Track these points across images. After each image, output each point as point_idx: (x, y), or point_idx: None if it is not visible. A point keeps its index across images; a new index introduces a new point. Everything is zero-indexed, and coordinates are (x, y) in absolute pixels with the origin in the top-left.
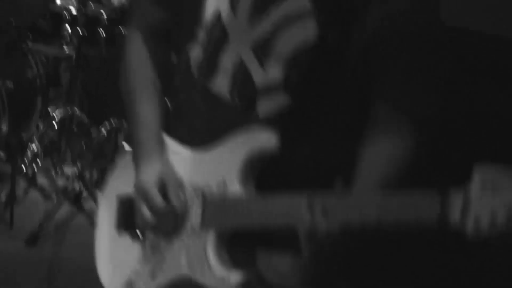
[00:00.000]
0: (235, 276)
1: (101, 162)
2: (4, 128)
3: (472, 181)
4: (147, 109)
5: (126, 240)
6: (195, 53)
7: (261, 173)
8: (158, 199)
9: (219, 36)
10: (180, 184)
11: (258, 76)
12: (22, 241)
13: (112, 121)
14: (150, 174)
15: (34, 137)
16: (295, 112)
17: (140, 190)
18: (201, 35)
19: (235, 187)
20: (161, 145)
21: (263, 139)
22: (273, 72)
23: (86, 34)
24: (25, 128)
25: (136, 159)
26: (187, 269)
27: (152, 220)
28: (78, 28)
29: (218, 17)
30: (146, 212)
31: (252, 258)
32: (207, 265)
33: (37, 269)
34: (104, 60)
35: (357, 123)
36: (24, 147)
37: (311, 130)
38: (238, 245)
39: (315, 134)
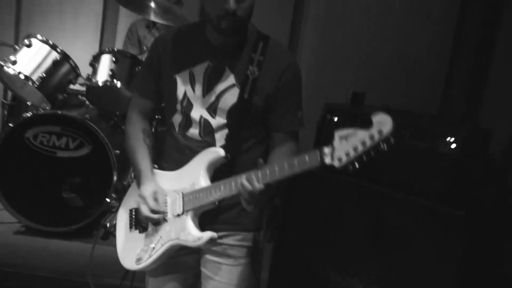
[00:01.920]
0: (204, 236)
1: None
2: (115, 178)
3: (333, 138)
4: (140, 155)
5: (135, 234)
6: (176, 118)
7: (215, 172)
8: (152, 202)
9: (188, 105)
10: (165, 195)
11: (213, 122)
12: None
13: None
14: (147, 189)
15: (130, 183)
16: (229, 136)
17: (142, 198)
18: (178, 107)
19: (200, 184)
20: (152, 174)
21: (216, 153)
22: (220, 119)
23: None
24: (125, 178)
25: (138, 183)
26: (176, 237)
27: (150, 215)
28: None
29: (185, 95)
30: (146, 211)
31: (214, 227)
32: (188, 231)
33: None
34: None
35: (263, 139)
36: (125, 190)
37: (242, 146)
38: (204, 220)
39: (244, 148)
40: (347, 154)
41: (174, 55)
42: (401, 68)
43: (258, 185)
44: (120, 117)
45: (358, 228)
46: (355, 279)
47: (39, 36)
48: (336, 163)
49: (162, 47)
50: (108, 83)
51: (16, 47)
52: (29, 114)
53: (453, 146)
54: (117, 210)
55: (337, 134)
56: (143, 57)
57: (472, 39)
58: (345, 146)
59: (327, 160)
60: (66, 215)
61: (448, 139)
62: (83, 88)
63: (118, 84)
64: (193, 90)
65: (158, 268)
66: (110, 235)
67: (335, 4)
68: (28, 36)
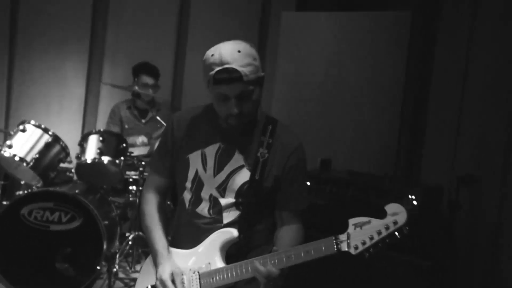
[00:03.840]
0: None
1: None
2: (105, 246)
3: (349, 226)
4: (157, 235)
5: None
6: (186, 195)
7: (229, 249)
8: (171, 285)
9: (199, 183)
10: (181, 273)
11: (222, 201)
12: None
13: None
14: (165, 272)
15: (117, 250)
16: (242, 217)
17: (161, 282)
18: (188, 185)
19: (216, 265)
20: (168, 254)
21: (230, 233)
22: (229, 199)
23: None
24: (113, 245)
25: (156, 263)
26: None
27: None
28: (139, 188)
29: (196, 174)
30: None
31: None
32: None
33: None
34: None
35: (271, 216)
36: (113, 256)
37: (250, 225)
38: None
39: (253, 226)
40: (363, 243)
41: (188, 136)
42: (359, 136)
43: (275, 271)
44: (106, 190)
45: (333, 280)
46: None
47: (32, 122)
48: (353, 251)
49: (177, 127)
50: (96, 160)
51: (11, 132)
52: (22, 192)
53: (415, 202)
54: (109, 274)
55: (351, 222)
56: (123, 135)
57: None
58: (360, 235)
59: (343, 248)
60: (59, 285)
61: (410, 196)
62: (71, 166)
63: (105, 160)
64: (205, 170)
65: None
66: None
67: (296, 86)
68: (23, 122)
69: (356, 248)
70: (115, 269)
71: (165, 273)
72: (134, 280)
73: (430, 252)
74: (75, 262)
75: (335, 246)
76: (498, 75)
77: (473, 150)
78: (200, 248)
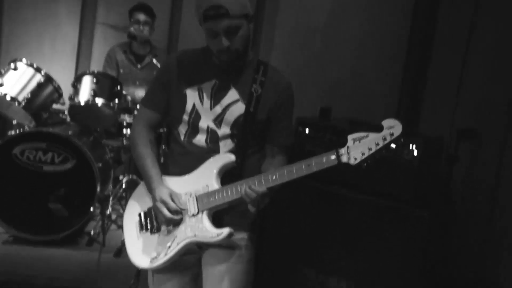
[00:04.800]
0: (223, 231)
1: None
2: (98, 189)
3: (348, 141)
4: (150, 162)
5: (146, 236)
6: (182, 127)
7: (224, 175)
8: (172, 203)
9: (196, 115)
10: (179, 196)
11: (219, 132)
12: (111, 254)
13: None
14: (164, 193)
15: (111, 193)
16: (236, 147)
17: (162, 201)
18: (185, 117)
19: (214, 186)
20: (161, 179)
21: (228, 157)
22: (225, 130)
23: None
24: (106, 188)
25: (150, 188)
26: (193, 235)
27: (172, 217)
28: None
29: (193, 107)
30: (167, 213)
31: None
32: (205, 229)
33: (123, 272)
34: None
35: (262, 148)
36: (107, 199)
37: (244, 154)
38: (217, 218)
39: (246, 155)
40: (362, 154)
41: (185, 73)
42: (360, 85)
43: (262, 190)
44: (100, 133)
45: (334, 230)
46: (331, 276)
47: (24, 60)
48: (352, 161)
49: (173, 66)
50: (90, 102)
51: (2, 70)
52: (14, 132)
53: (415, 153)
54: (102, 217)
55: (350, 137)
56: (119, 78)
57: (416, 59)
58: (359, 147)
59: (344, 159)
60: (52, 225)
61: (410, 147)
62: (64, 107)
63: (99, 103)
64: (202, 103)
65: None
66: (94, 241)
67: (297, 35)
68: (14, 60)
69: (355, 159)
70: (108, 212)
71: (164, 194)
72: None
73: (428, 203)
74: (69, 203)
75: (335, 158)
76: (505, 30)
77: (474, 104)
78: (197, 172)
